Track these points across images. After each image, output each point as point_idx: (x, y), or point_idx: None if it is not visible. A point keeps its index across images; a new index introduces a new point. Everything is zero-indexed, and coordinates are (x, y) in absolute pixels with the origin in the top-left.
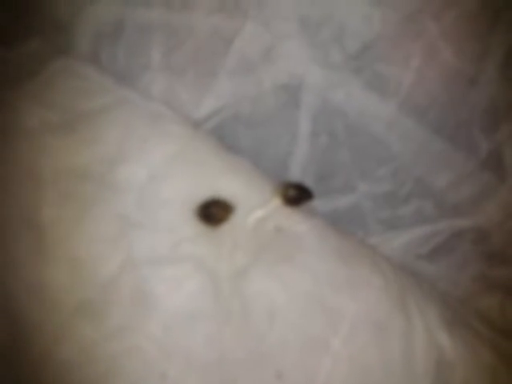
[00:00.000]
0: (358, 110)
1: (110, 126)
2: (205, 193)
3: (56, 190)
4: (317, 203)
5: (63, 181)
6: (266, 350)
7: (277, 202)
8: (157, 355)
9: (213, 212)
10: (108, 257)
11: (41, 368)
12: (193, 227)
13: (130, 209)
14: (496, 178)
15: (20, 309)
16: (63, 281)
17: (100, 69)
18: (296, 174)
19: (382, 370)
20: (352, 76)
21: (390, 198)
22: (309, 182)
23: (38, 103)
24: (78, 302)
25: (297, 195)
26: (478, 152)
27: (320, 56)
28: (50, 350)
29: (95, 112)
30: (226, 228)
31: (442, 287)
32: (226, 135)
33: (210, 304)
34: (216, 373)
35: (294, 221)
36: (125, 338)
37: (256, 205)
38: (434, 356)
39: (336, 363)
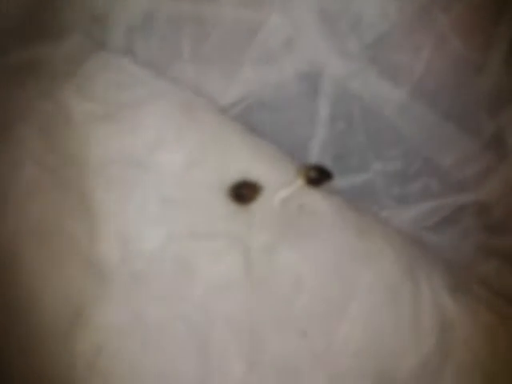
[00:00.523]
0: (373, 97)
1: (148, 116)
2: (235, 175)
3: (103, 175)
4: (335, 181)
5: (109, 167)
6: (292, 313)
7: (300, 183)
8: (200, 320)
9: (243, 192)
10: (151, 233)
11: (94, 329)
12: (226, 206)
13: (169, 190)
14: (498, 158)
15: (78, 282)
16: (114, 254)
17: (135, 61)
18: (315, 155)
19: (393, 329)
20: (368, 65)
21: (401, 175)
22: (327, 162)
23: (83, 97)
24: (129, 272)
25: (318, 176)
26: (482, 134)
27: (338, 46)
28: (107, 311)
29: (133, 103)
30: (255, 207)
31: (446, 255)
32: (251, 120)
33: (243, 275)
34: (247, 333)
35: (316, 199)
36: (171, 303)
37: (281, 185)
38: (439, 317)
39: (353, 324)
